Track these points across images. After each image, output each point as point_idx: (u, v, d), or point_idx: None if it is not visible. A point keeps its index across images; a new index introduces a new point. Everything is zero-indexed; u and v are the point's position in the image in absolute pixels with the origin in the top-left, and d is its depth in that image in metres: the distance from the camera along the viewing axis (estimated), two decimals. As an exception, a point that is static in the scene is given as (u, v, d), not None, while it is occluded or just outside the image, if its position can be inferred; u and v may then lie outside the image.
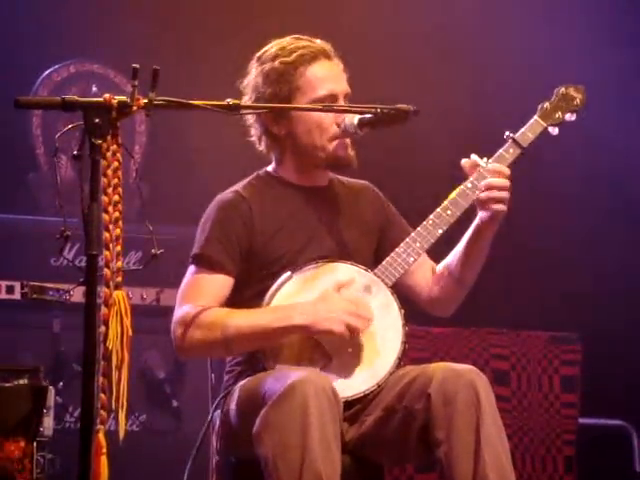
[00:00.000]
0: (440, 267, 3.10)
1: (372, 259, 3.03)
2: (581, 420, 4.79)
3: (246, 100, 2.98)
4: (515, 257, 5.02)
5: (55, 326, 4.33)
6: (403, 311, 2.91)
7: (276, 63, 2.97)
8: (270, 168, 3.08)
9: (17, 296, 4.25)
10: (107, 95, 2.34)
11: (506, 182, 2.93)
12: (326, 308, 2.81)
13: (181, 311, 2.87)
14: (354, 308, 2.82)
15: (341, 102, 2.97)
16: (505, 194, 2.93)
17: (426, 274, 3.10)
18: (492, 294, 4.67)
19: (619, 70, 5.20)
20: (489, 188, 2.92)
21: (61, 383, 4.23)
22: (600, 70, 4.96)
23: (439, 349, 4.64)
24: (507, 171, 2.95)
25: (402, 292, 3.06)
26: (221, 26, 5.14)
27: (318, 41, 3.02)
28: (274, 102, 2.94)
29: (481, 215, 2.96)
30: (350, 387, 2.82)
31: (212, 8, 5.20)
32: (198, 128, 4.65)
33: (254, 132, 3.06)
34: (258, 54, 3.04)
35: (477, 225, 2.97)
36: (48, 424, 3.48)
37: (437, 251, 3.05)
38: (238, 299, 2.95)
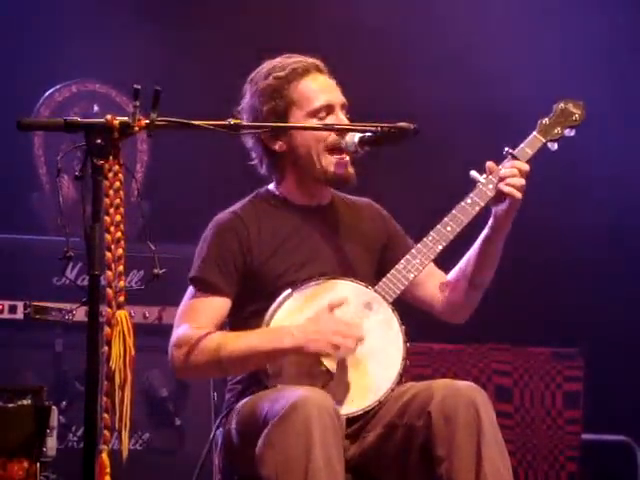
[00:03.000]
0: (453, 274, 3.11)
1: (374, 275, 3.04)
2: (584, 436, 4.79)
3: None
4: (517, 273, 5.01)
5: (57, 346, 4.32)
6: (404, 327, 2.92)
7: (269, 79, 2.99)
8: (271, 187, 3.09)
9: (20, 316, 4.25)
10: (109, 116, 2.35)
11: (516, 171, 2.95)
12: (315, 329, 2.82)
13: (178, 333, 2.89)
14: (343, 327, 2.83)
15: (338, 112, 2.99)
16: (522, 181, 2.94)
17: (437, 283, 3.11)
18: (494, 310, 4.66)
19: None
20: (508, 176, 2.94)
21: (64, 403, 4.22)
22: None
23: (441, 365, 4.64)
24: (526, 167, 2.97)
25: (414, 305, 3.09)
26: (223, 45, 5.16)
27: (309, 58, 3.05)
28: (271, 119, 2.96)
29: (496, 211, 2.97)
30: (351, 404, 2.83)
31: (214, 28, 5.21)
32: (199, 146, 4.66)
33: (255, 155, 3.07)
34: (250, 76, 3.06)
35: (493, 225, 2.99)
36: (51, 444, 3.47)
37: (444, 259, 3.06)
38: (239, 317, 2.96)
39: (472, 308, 3.12)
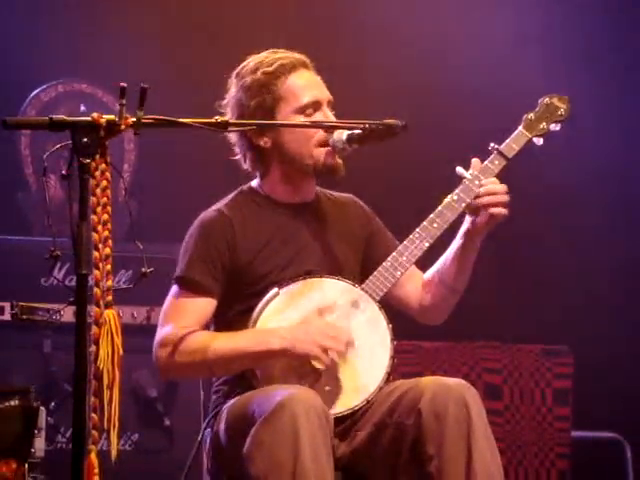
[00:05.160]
0: (429, 275, 3.10)
1: (359, 272, 3.04)
2: (574, 433, 4.79)
3: (229, 118, 2.98)
4: (506, 270, 5.02)
5: (46, 346, 4.31)
6: (391, 326, 2.91)
7: (257, 74, 2.98)
8: (254, 184, 3.08)
9: (7, 317, 4.23)
10: (95, 114, 2.34)
11: (505, 187, 2.95)
12: (304, 331, 2.82)
13: (163, 333, 2.88)
14: (332, 331, 2.83)
15: (325, 109, 2.98)
16: (507, 197, 2.93)
17: (416, 284, 3.10)
18: (483, 308, 4.67)
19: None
20: (490, 194, 2.93)
21: (52, 403, 4.21)
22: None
23: (430, 363, 4.64)
24: (503, 188, 2.96)
25: (393, 303, 3.07)
26: (209, 43, 5.15)
27: (295, 53, 3.04)
28: (258, 114, 2.95)
29: (474, 220, 2.96)
30: (340, 403, 2.82)
31: (199, 25, 5.21)
32: (186, 145, 4.66)
33: (238, 150, 3.05)
34: (236, 70, 3.04)
35: (468, 231, 2.98)
36: (40, 445, 3.46)
37: (425, 259, 3.05)
38: (226, 317, 2.95)
39: (448, 311, 3.11)
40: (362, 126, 2.81)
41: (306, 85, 2.97)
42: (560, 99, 3.09)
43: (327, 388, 2.82)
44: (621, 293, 5.19)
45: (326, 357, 2.80)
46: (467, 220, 2.98)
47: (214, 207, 3.03)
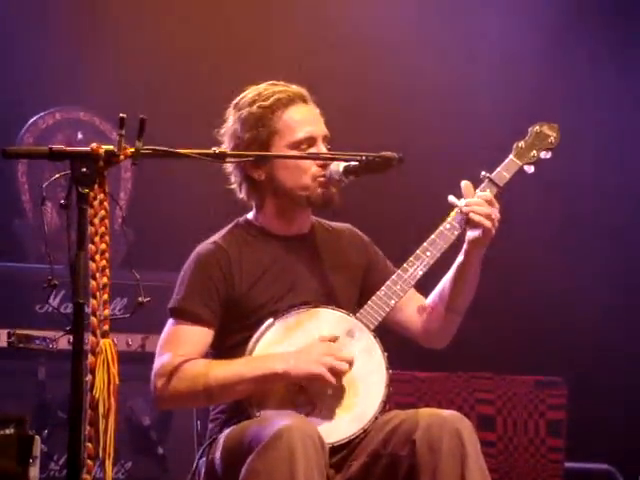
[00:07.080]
0: (431, 298, 3.11)
1: (357, 302, 3.05)
2: (567, 464, 4.78)
3: (225, 148, 2.99)
4: (499, 302, 5.03)
5: (40, 374, 4.30)
6: (387, 354, 2.92)
7: (254, 108, 2.99)
8: (250, 216, 3.09)
9: (3, 344, 4.23)
10: (94, 145, 2.35)
11: (480, 201, 2.94)
12: (305, 352, 2.83)
13: (161, 362, 2.88)
14: (333, 350, 2.83)
15: (320, 144, 2.99)
16: (484, 209, 2.93)
17: (416, 308, 3.11)
18: (477, 339, 4.67)
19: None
20: (467, 205, 2.94)
21: (46, 431, 4.20)
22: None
23: (424, 394, 4.63)
24: (479, 202, 2.95)
25: (395, 329, 3.08)
26: (208, 72, 5.17)
27: (294, 86, 3.05)
28: (253, 147, 2.96)
29: (468, 237, 2.97)
30: (335, 432, 2.82)
31: (199, 54, 5.23)
32: (183, 174, 4.67)
33: (234, 179, 3.07)
34: (235, 101, 3.06)
35: (465, 250, 2.99)
36: (34, 473, 3.45)
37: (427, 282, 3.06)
38: (223, 347, 2.95)
39: (451, 334, 3.11)
40: (359, 158, 2.83)
41: (301, 120, 2.98)
42: (550, 127, 3.12)
43: (323, 417, 2.82)
44: (616, 324, 5.20)
45: (330, 375, 2.80)
46: (466, 241, 2.99)
47: (210, 239, 3.03)
